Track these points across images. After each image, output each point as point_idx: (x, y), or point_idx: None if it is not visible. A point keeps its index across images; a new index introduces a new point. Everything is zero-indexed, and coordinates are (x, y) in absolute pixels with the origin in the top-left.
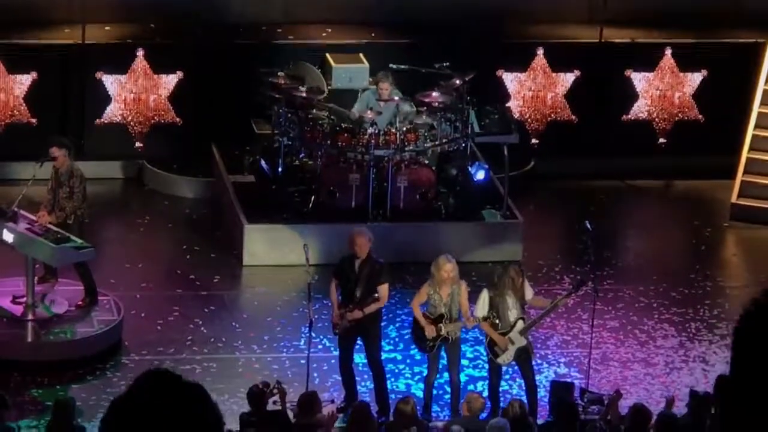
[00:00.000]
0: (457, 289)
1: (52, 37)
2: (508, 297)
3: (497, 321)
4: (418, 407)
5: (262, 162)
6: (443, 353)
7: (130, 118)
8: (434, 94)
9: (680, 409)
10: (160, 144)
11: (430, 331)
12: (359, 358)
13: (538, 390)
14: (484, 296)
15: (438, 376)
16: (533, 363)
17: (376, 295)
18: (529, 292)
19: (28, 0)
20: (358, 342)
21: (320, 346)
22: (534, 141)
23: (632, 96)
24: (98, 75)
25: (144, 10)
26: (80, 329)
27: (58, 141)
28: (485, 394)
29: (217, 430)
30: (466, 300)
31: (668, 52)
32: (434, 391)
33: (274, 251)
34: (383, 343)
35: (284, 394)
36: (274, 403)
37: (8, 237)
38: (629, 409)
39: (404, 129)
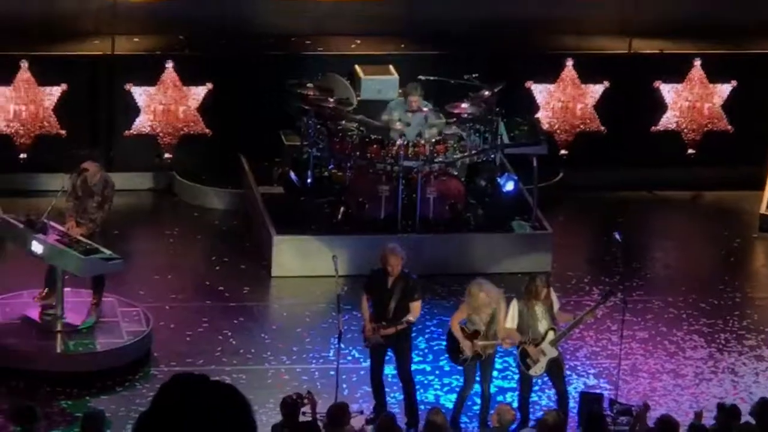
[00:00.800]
0: (497, 309)
1: (82, 48)
2: (537, 308)
3: (529, 348)
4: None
5: (291, 173)
6: (478, 368)
7: (159, 129)
8: (463, 105)
9: (708, 420)
10: (189, 155)
11: (468, 349)
12: (388, 369)
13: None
14: (514, 307)
15: None
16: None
17: (409, 317)
18: (555, 304)
19: (58, 11)
20: (389, 353)
21: (349, 358)
22: (563, 152)
23: (661, 107)
24: (128, 86)
25: (173, 21)
26: (109, 340)
27: (90, 156)
28: (515, 405)
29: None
30: (503, 319)
31: (697, 63)
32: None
33: (303, 262)
34: (412, 354)
35: (315, 404)
36: (303, 413)
37: (38, 248)
38: (656, 420)
39: (433, 140)
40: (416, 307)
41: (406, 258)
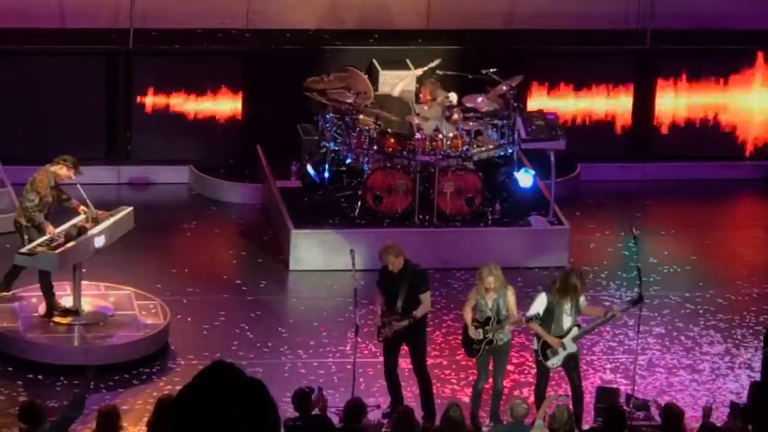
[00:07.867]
0: (503, 293)
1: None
2: (565, 303)
3: (550, 326)
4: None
5: (309, 167)
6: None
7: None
8: (481, 100)
9: (722, 414)
10: (207, 149)
11: (474, 332)
12: (405, 364)
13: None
14: (542, 300)
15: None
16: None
17: (415, 312)
18: (582, 300)
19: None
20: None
21: (366, 351)
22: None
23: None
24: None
25: (192, 15)
26: (127, 334)
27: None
28: (530, 400)
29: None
30: (514, 304)
31: None
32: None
33: (321, 256)
34: (429, 349)
35: (326, 403)
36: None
37: (100, 240)
38: (662, 409)
39: (450, 135)
40: (425, 298)
41: (420, 247)
